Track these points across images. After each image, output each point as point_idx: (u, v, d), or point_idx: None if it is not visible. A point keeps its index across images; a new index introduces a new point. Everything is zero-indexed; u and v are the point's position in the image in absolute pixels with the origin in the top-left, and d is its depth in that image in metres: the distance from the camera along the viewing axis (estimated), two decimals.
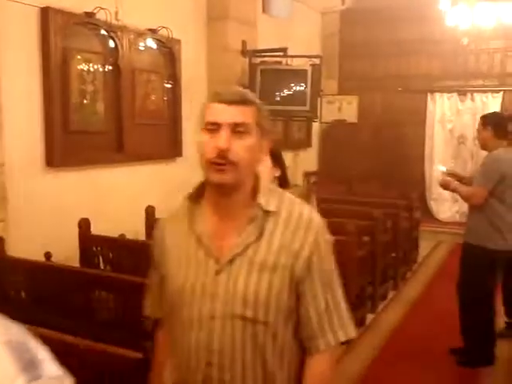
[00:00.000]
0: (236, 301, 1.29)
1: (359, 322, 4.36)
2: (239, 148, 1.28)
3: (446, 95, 8.09)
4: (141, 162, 4.78)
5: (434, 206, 8.22)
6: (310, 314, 1.34)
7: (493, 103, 7.77)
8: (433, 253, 6.93)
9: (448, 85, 8.06)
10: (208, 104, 1.34)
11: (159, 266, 1.46)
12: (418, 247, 6.47)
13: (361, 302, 4.39)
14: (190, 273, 1.34)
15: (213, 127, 1.29)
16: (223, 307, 1.29)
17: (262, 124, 1.35)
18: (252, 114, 1.32)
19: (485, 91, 7.86)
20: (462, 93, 8.00)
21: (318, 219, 1.38)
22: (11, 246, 3.42)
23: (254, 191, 1.36)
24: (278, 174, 2.47)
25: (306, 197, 2.41)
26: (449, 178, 3.78)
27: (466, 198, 3.70)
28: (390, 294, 5.20)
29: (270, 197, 1.35)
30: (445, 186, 3.78)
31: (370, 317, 4.57)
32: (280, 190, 1.46)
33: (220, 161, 1.27)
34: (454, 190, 3.76)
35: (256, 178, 1.38)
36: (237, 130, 1.28)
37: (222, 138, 1.27)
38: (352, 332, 1.40)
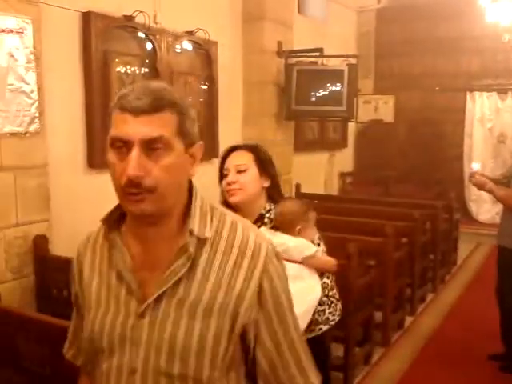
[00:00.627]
0: (161, 352, 1.03)
1: (398, 325, 4.32)
2: (157, 170, 0.99)
3: (485, 94, 7.92)
4: None
5: (473, 206, 8.05)
6: (273, 359, 1.09)
7: None
8: (472, 255, 6.79)
9: (488, 83, 7.88)
10: (112, 112, 1.03)
11: (79, 306, 1.20)
12: (457, 249, 6.35)
13: (399, 304, 4.34)
14: (109, 315, 1.09)
15: (120, 144, 1.00)
16: (145, 359, 1.04)
17: (187, 130, 1.05)
18: (171, 122, 1.01)
19: None
20: (502, 91, 7.81)
21: (268, 246, 1.09)
22: (54, 245, 3.51)
23: (186, 214, 1.08)
24: (266, 184, 2.12)
25: (301, 214, 2.12)
26: (484, 178, 3.64)
27: (504, 201, 3.55)
28: (429, 297, 5.12)
29: (206, 219, 1.08)
30: (479, 186, 3.64)
31: (408, 319, 4.51)
32: (222, 209, 1.16)
33: (133, 190, 1.00)
34: (490, 191, 3.62)
35: (188, 197, 1.11)
36: (152, 147, 0.99)
37: (132, 163, 0.97)
38: (317, 373, 1.16)
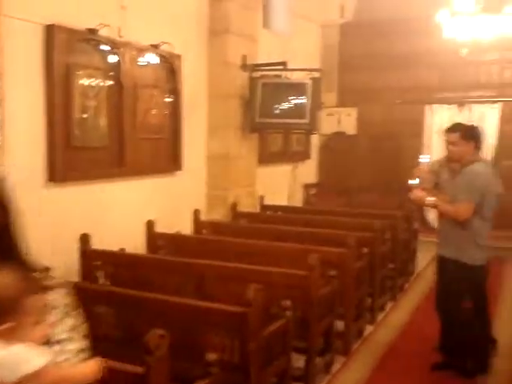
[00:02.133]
0: None
1: (358, 334, 4.40)
2: None
3: (445, 106, 8.19)
4: (141, 176, 4.84)
5: (430, 215, 8.26)
6: None
7: (490, 113, 7.90)
8: (431, 264, 6.93)
9: (447, 96, 8.15)
10: None
11: None
12: (416, 258, 6.50)
13: (360, 313, 4.42)
14: None
15: None
16: None
17: None
18: None
19: (483, 102, 7.95)
20: (460, 104, 8.09)
21: None
22: None
23: None
24: None
25: (10, 300, 1.17)
26: (423, 193, 3.58)
27: (454, 215, 3.50)
28: (389, 306, 5.23)
29: None
30: (418, 201, 3.65)
31: (368, 328, 4.60)
32: None
33: None
34: (434, 206, 3.64)
35: None
36: None
37: None
38: None
